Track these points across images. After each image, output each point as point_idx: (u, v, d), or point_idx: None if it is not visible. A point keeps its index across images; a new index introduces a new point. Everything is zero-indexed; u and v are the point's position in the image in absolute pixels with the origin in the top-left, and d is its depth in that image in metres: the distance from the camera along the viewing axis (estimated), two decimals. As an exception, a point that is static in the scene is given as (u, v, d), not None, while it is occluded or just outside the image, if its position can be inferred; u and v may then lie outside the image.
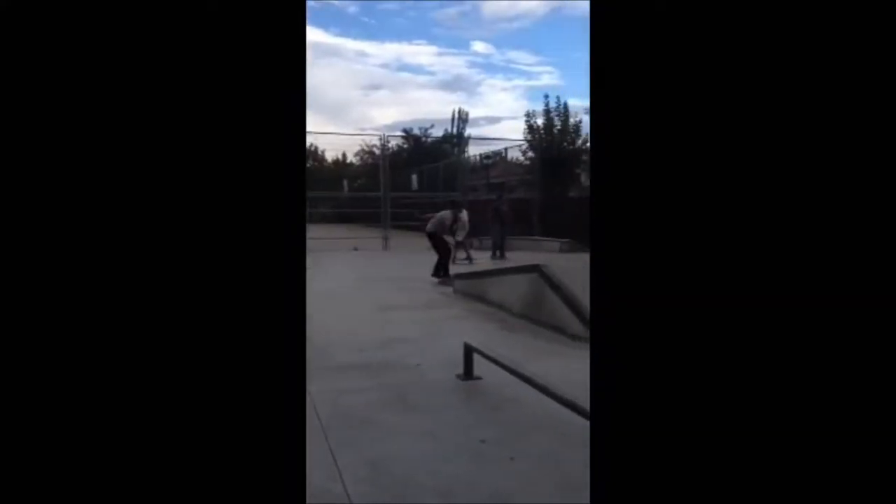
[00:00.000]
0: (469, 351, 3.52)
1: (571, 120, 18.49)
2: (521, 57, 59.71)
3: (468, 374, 3.52)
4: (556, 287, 4.93)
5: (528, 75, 53.55)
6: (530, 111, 21.17)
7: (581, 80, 51.46)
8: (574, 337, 4.57)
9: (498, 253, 11.45)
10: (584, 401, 2.44)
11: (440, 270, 8.17)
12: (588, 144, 18.43)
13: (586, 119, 18.82)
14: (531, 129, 18.52)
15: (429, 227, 8.75)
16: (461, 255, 10.88)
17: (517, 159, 19.05)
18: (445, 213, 8.91)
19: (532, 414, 2.87)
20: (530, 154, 18.26)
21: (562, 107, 18.42)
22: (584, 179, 19.41)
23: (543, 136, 18.29)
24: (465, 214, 11.51)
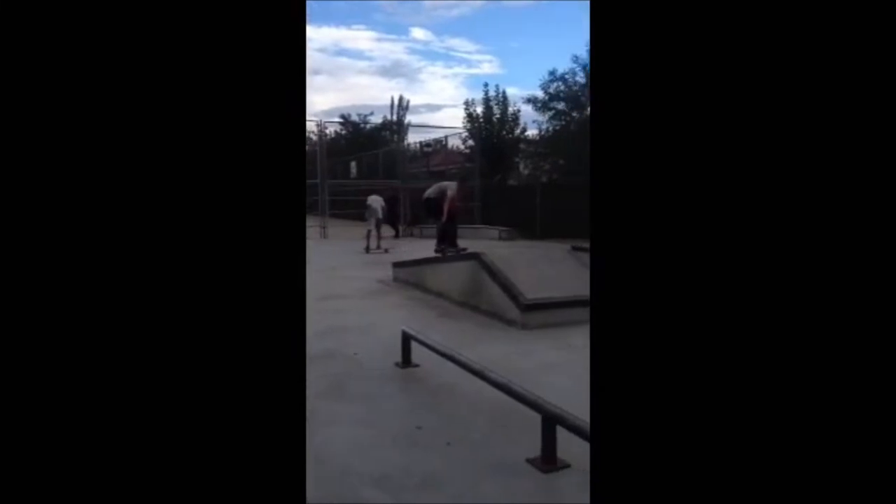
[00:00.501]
0: (407, 338, 3.54)
1: (510, 109, 18.75)
2: (461, 45, 59.69)
3: (406, 361, 3.54)
4: (493, 274, 5.01)
5: (469, 63, 53.65)
6: (469, 99, 21.29)
7: (520, 70, 52.11)
8: (511, 323, 4.67)
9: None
10: (519, 384, 2.51)
11: (443, 241, 7.69)
12: (526, 133, 18.75)
13: (525, 108, 19.14)
14: (471, 117, 18.64)
15: (428, 191, 8.08)
16: (373, 244, 10.74)
17: (457, 147, 19.13)
18: (451, 183, 8.23)
19: (468, 399, 2.93)
20: (470, 142, 18.38)
21: (501, 96, 18.63)
22: (523, 168, 19.75)
23: (483, 124, 18.44)
24: (375, 200, 11.26)
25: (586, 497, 2.04)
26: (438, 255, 7.20)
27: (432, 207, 7.98)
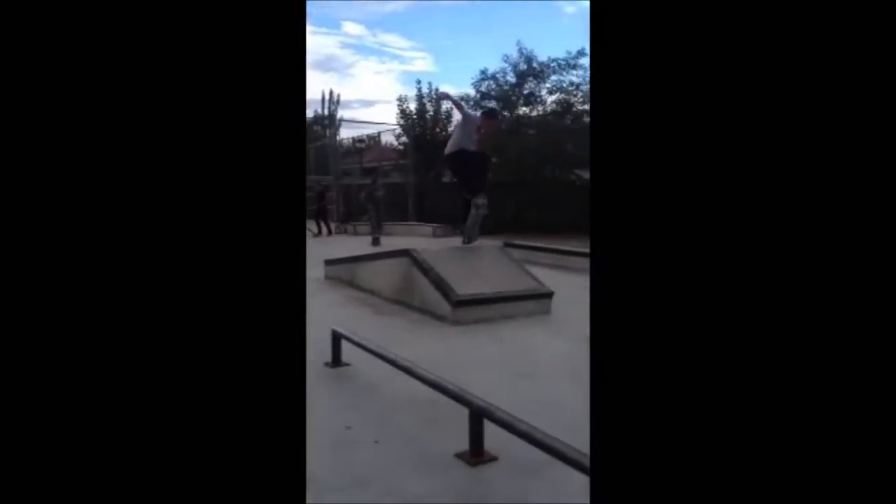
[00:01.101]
0: (337, 338, 3.49)
1: (444, 106, 18.80)
2: (395, 41, 59.37)
3: (336, 361, 3.49)
4: (425, 271, 5.02)
5: (402, 59, 53.49)
6: (402, 96, 21.18)
7: (452, 68, 52.39)
8: (442, 319, 4.70)
9: (374, 238, 11.34)
10: (447, 380, 2.52)
11: (472, 189, 5.38)
12: (459, 131, 18.87)
13: (457, 106, 19.19)
14: (403, 113, 18.57)
15: (448, 148, 5.54)
16: None
17: (391, 143, 19.05)
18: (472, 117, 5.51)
19: (399, 397, 2.92)
20: (404, 139, 18.32)
21: (433, 93, 18.66)
22: (457, 165, 19.86)
23: (416, 121, 18.42)
24: None
25: (513, 488, 2.09)
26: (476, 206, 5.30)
27: (464, 160, 5.34)
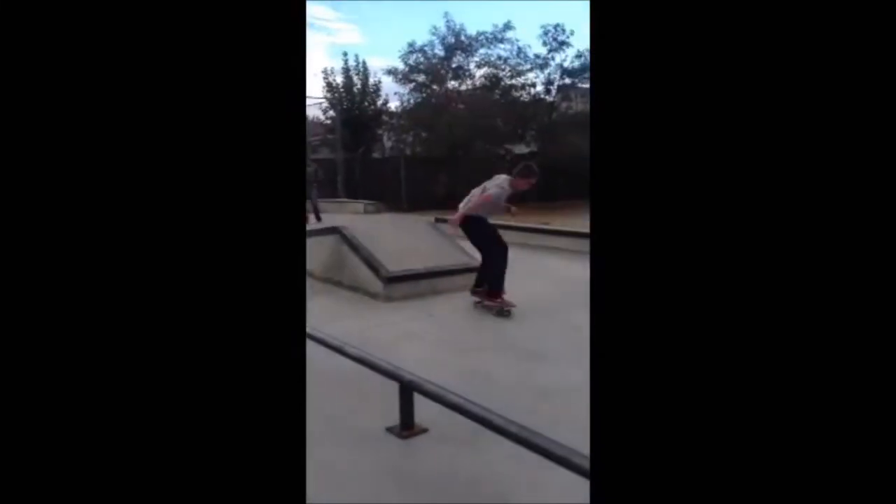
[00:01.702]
0: (264, 319, 3.41)
1: (371, 79, 18.47)
2: (321, 12, 57.12)
3: (264, 342, 3.42)
4: (356, 248, 4.98)
5: (328, 31, 51.65)
6: (327, 68, 20.58)
7: (381, 39, 51.33)
8: (374, 296, 4.69)
9: (314, 217, 10.96)
10: (377, 356, 2.53)
11: (485, 282, 4.43)
12: (388, 105, 18.65)
13: (385, 80, 18.90)
14: (330, 87, 18.09)
15: (468, 205, 4.44)
16: None
17: (317, 118, 18.52)
18: (500, 183, 4.42)
19: (328, 375, 2.91)
20: (331, 113, 17.88)
21: (361, 66, 18.27)
22: (387, 140, 19.65)
23: (343, 95, 18.01)
24: None
25: (442, 457, 2.14)
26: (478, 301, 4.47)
27: (478, 232, 4.48)
